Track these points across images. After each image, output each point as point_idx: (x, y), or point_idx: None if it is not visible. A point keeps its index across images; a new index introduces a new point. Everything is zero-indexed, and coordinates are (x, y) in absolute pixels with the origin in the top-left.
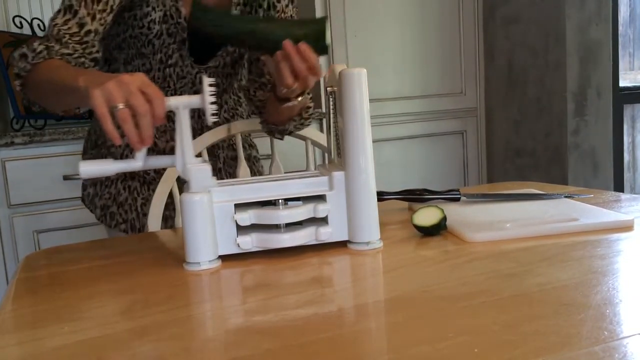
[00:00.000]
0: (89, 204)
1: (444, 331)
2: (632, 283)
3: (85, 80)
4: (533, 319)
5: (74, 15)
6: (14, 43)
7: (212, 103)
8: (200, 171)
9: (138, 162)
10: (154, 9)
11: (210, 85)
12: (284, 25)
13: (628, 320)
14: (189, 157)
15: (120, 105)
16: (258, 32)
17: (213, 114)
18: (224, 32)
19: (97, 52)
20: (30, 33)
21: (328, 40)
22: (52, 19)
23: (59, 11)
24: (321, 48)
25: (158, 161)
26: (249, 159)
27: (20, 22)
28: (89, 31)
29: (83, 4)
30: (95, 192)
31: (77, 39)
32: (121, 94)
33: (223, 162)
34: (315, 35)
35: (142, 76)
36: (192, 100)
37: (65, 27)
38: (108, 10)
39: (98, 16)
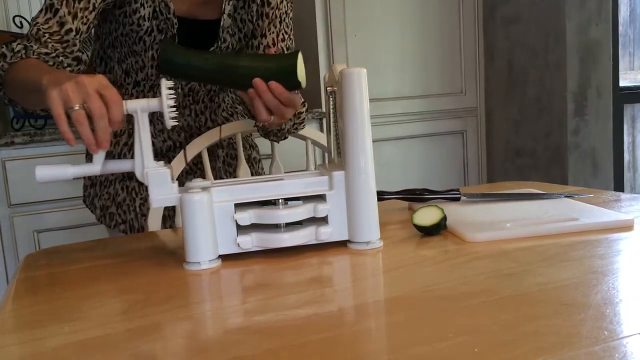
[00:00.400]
0: (90, 204)
1: (444, 331)
2: (632, 283)
3: (47, 80)
4: (533, 319)
5: (55, 14)
6: None
7: (172, 106)
8: (159, 175)
9: (96, 167)
10: (142, 5)
11: (169, 88)
12: (255, 62)
13: (628, 320)
14: (147, 161)
15: (76, 107)
16: (228, 70)
17: (172, 118)
18: (193, 72)
19: (79, 51)
20: None
21: (300, 75)
22: (34, 18)
23: (40, 10)
24: (293, 84)
25: (117, 165)
26: (248, 159)
27: (21, 22)
28: (70, 30)
29: (64, 2)
30: (95, 192)
31: (57, 37)
32: (78, 96)
33: (222, 162)
34: (286, 71)
35: (101, 78)
36: (151, 103)
37: (46, 26)
38: (90, 9)
39: (80, 15)
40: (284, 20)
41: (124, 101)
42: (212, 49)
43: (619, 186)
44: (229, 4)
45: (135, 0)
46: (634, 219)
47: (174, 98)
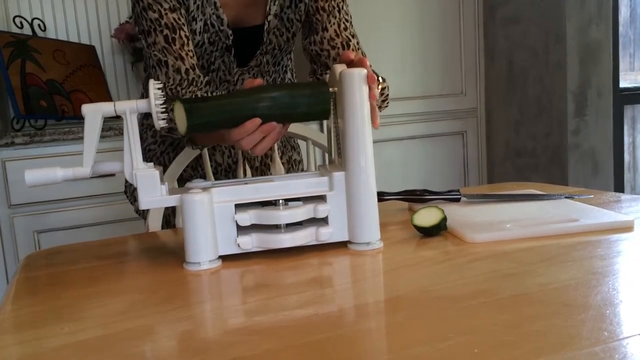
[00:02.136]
0: (130, 196)
1: (444, 331)
2: (633, 284)
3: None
4: (533, 319)
5: (167, 65)
6: (14, 43)
7: (162, 104)
8: (148, 177)
9: (86, 169)
10: (194, 19)
11: (158, 88)
12: (287, 100)
13: (628, 320)
14: (137, 162)
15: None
16: (262, 111)
17: (162, 119)
18: (226, 124)
19: (204, 76)
20: (31, 33)
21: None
22: (154, 83)
23: (153, 69)
24: (326, 118)
25: (107, 167)
26: (289, 161)
27: (21, 22)
28: (187, 70)
29: (166, 52)
30: None
31: (186, 83)
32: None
33: (260, 162)
34: (320, 112)
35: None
36: (140, 104)
37: (171, 81)
38: (185, 42)
39: (183, 54)
40: (342, 8)
41: (113, 102)
42: (258, 51)
43: (619, 187)
44: (274, 4)
45: (188, 13)
46: (634, 219)
47: (163, 99)
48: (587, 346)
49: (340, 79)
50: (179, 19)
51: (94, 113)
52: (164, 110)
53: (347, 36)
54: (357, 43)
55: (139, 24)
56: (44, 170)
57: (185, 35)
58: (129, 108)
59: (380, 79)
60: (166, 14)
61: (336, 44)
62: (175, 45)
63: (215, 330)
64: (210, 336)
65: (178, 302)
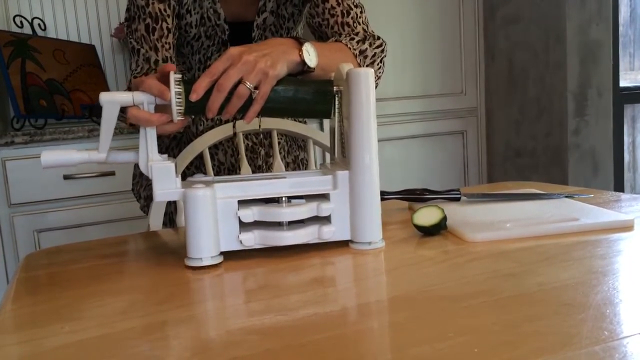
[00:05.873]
0: (136, 193)
1: (444, 331)
2: (633, 283)
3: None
4: (533, 319)
5: (138, 54)
6: (14, 42)
7: (179, 98)
8: (163, 169)
9: (101, 154)
10: (189, 12)
11: (177, 81)
12: (293, 97)
13: (628, 320)
14: (152, 154)
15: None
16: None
17: (179, 112)
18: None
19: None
20: (31, 33)
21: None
22: (130, 69)
23: (130, 56)
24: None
25: (122, 156)
26: (295, 160)
27: (21, 22)
28: (157, 61)
29: (142, 41)
30: (141, 183)
31: (152, 74)
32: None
33: (263, 161)
34: (323, 111)
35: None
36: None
37: (138, 69)
38: (165, 34)
39: (159, 45)
40: None
41: (130, 92)
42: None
43: (619, 186)
44: (269, 1)
45: (182, 6)
46: (634, 219)
47: (180, 90)
48: (587, 346)
49: (347, 78)
50: (164, 10)
51: (111, 104)
52: (181, 102)
53: (348, 5)
54: (361, 12)
55: (128, 10)
56: (60, 151)
57: (167, 27)
58: (146, 99)
59: (359, 33)
60: (153, 3)
61: (336, 12)
62: (153, 35)
63: (215, 329)
64: (210, 336)
65: (178, 302)
